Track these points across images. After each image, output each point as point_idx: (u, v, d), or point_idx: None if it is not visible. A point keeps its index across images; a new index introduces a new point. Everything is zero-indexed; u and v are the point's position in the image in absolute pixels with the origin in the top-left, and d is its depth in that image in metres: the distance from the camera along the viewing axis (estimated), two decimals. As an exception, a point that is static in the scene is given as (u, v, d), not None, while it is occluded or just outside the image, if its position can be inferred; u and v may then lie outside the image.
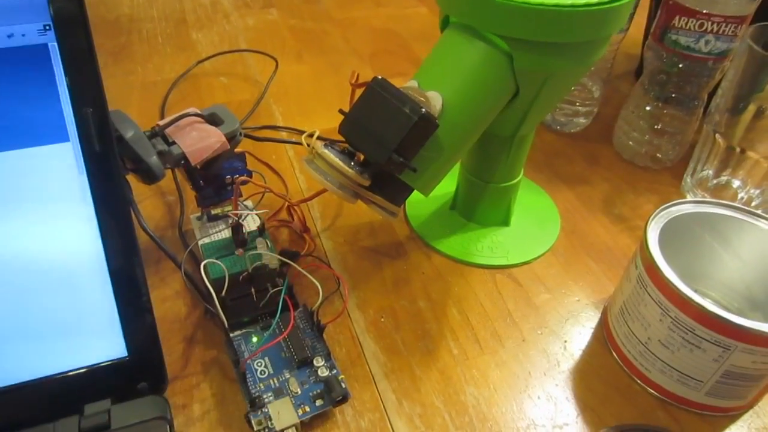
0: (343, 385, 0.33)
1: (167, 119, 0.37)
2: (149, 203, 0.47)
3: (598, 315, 0.41)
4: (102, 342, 0.32)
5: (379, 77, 0.32)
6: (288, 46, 0.70)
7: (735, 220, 0.37)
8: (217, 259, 0.38)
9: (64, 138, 0.29)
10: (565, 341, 0.39)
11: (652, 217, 0.35)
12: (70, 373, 0.31)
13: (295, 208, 0.45)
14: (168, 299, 0.40)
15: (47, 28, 0.28)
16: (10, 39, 0.28)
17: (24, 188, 0.29)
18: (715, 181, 0.50)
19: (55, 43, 0.29)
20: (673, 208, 0.36)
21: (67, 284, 0.30)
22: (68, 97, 0.29)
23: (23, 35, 0.28)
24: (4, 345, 0.30)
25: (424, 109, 0.31)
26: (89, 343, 0.31)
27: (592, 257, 0.45)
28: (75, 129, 0.29)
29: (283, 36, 0.72)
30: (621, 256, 0.46)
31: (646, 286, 0.33)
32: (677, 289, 0.31)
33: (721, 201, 0.37)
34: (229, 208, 0.43)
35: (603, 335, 0.39)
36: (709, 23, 0.47)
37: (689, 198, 0.50)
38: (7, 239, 0.29)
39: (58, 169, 0.30)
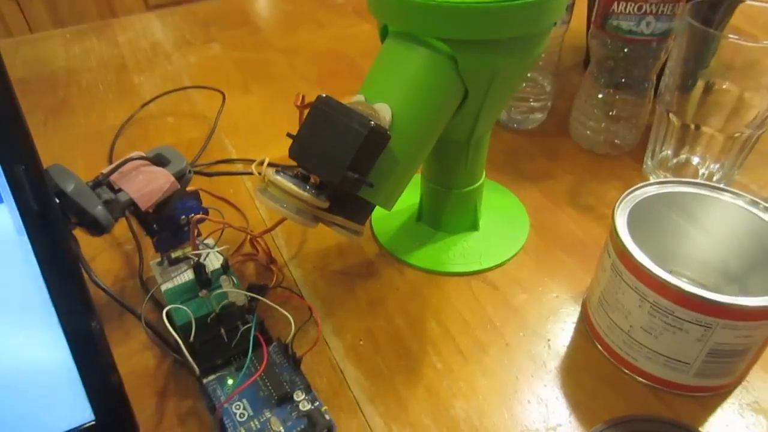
0: (327, 417, 0.32)
1: (110, 167, 0.36)
2: (106, 256, 0.45)
3: (579, 309, 0.40)
4: (65, 409, 0.30)
5: (323, 95, 0.32)
6: (233, 78, 0.69)
7: (699, 196, 0.36)
8: (181, 303, 0.36)
9: (-3, 199, 0.28)
10: (549, 340, 0.38)
11: (618, 203, 0.35)
12: (34, 448, 0.29)
13: (258, 239, 0.43)
14: (135, 353, 0.38)
15: (-36, 85, 0.27)
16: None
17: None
18: (675, 161, 0.50)
19: (-26, 102, 0.27)
20: (638, 192, 0.36)
21: (22, 349, 0.28)
22: (-4, 156, 0.27)
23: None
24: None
25: (373, 122, 0.30)
26: (52, 412, 0.29)
27: (564, 251, 0.45)
28: (8, 189, 0.28)
29: (227, 69, 0.71)
30: (593, 246, 0.45)
31: (621, 273, 0.33)
32: (652, 272, 0.30)
33: (683, 179, 0.37)
34: (189, 249, 0.41)
35: (585, 329, 0.38)
36: (648, 5, 0.47)
37: (652, 180, 0.50)
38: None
39: (-5, 231, 0.28)
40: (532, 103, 0.59)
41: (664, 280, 0.30)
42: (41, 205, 0.28)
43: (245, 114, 0.62)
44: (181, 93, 0.65)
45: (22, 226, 0.28)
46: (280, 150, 0.56)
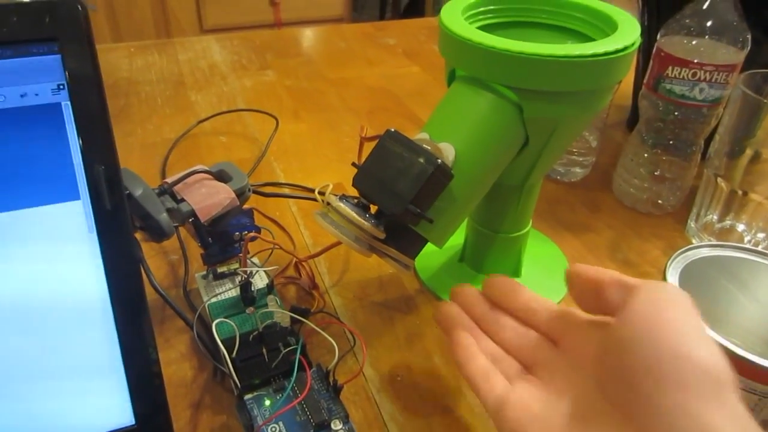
0: (363, 449, 0.32)
1: (176, 176, 0.37)
2: (152, 263, 0.46)
3: (619, 365, 0.40)
4: (108, 408, 0.30)
5: (392, 129, 0.32)
6: (285, 105, 0.71)
7: (751, 263, 0.36)
8: (225, 318, 0.37)
9: (75, 196, 0.29)
10: (588, 393, 0.37)
11: (669, 262, 0.35)
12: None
13: (303, 264, 0.44)
14: (173, 362, 0.38)
15: (61, 87, 0.28)
16: (23, 98, 0.28)
17: (34, 246, 0.28)
18: (719, 225, 0.50)
19: (69, 102, 0.28)
20: (689, 253, 0.36)
21: (74, 345, 0.29)
22: (80, 155, 0.29)
23: (36, 95, 0.28)
24: (5, 411, 0.28)
25: (439, 160, 0.31)
26: (95, 409, 0.30)
27: (605, 305, 0.44)
28: (86, 187, 0.29)
29: (279, 96, 0.73)
30: (634, 303, 0.45)
31: (670, 332, 0.32)
32: (704, 334, 0.30)
33: (736, 244, 0.37)
34: (235, 265, 0.42)
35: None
36: (702, 72, 0.48)
37: (696, 242, 0.49)
38: (15, 296, 0.28)
39: (68, 227, 0.29)
40: (575, 157, 0.60)
41: (720, 345, 0.30)
42: (114, 205, 0.29)
43: (295, 140, 0.64)
44: (234, 114, 0.67)
45: (94, 224, 0.29)
46: (327, 177, 0.58)
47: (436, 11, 2.42)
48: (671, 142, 0.53)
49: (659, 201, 0.55)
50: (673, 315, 0.23)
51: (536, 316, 0.30)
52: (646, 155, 0.55)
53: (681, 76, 0.49)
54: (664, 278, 0.34)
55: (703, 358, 0.21)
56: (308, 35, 0.95)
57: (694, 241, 0.52)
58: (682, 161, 0.54)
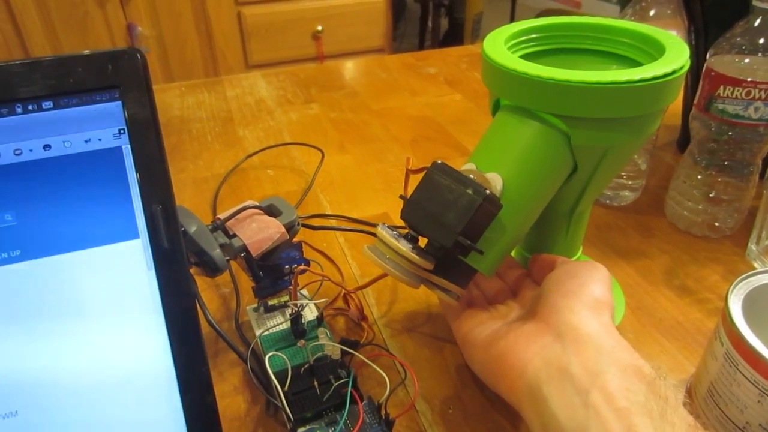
0: (417, 484, 0.31)
1: (227, 213, 0.38)
2: (204, 296, 0.47)
3: (681, 398, 0.38)
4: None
5: (439, 161, 0.33)
6: (330, 137, 0.72)
7: (820, 288, 0.35)
8: (276, 350, 0.37)
9: (134, 235, 0.30)
10: (649, 427, 0.36)
11: (731, 288, 0.34)
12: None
13: (352, 295, 0.44)
14: (227, 395, 0.39)
15: (121, 132, 0.30)
16: (88, 143, 0.29)
17: (95, 284, 0.29)
18: (783, 249, 0.48)
19: (129, 146, 0.30)
20: (753, 279, 0.35)
21: (133, 385, 0.30)
22: (139, 195, 0.30)
23: (99, 140, 0.29)
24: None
25: (488, 191, 0.31)
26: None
27: (663, 334, 0.43)
28: (145, 226, 0.30)
29: (324, 128, 0.75)
30: (695, 331, 0.43)
31: (736, 364, 0.31)
32: (774, 366, 0.29)
33: (803, 269, 0.35)
34: (285, 298, 0.43)
35: (689, 419, 0.36)
36: (756, 90, 0.46)
37: (758, 266, 0.47)
38: (77, 337, 0.29)
39: (129, 265, 0.30)
40: (624, 181, 0.59)
41: None
42: (171, 242, 0.30)
43: (340, 171, 0.65)
44: (281, 147, 0.69)
45: (152, 261, 0.30)
46: (373, 208, 0.58)
47: (474, 38, 2.44)
48: (726, 163, 0.52)
49: (716, 224, 0.53)
50: (582, 268, 0.34)
51: (507, 277, 0.41)
52: (699, 177, 0.53)
53: (734, 96, 0.48)
54: (726, 306, 0.33)
55: (593, 287, 0.33)
56: (350, 67, 0.96)
57: (756, 265, 0.50)
58: (739, 182, 0.52)
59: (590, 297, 0.32)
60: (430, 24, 2.39)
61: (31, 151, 0.28)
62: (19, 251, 0.28)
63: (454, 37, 2.49)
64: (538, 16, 0.40)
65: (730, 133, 0.50)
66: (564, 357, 0.29)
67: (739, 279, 0.35)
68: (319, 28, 1.92)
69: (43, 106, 0.28)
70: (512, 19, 2.49)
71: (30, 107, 0.28)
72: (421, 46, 2.45)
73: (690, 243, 0.53)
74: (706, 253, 0.52)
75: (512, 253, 0.46)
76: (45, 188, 0.29)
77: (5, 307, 0.28)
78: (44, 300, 0.29)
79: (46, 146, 0.29)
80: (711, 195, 0.53)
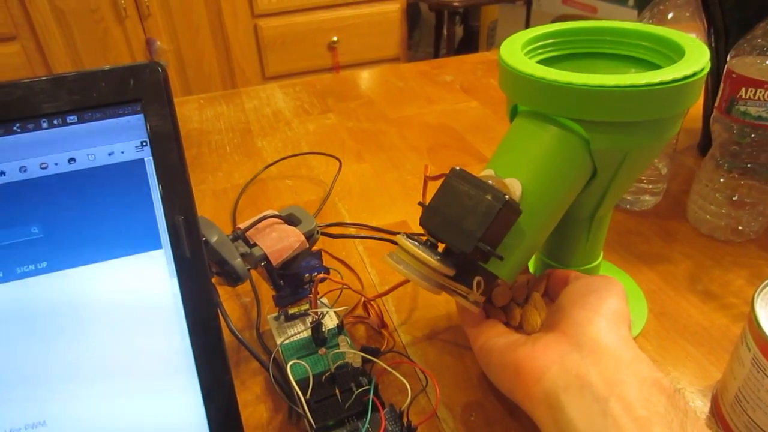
0: (441, 493, 0.31)
1: (248, 222, 0.38)
2: (226, 305, 0.47)
3: (708, 404, 0.37)
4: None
5: (457, 168, 0.33)
6: (347, 146, 0.73)
7: None
8: (298, 359, 0.37)
9: (157, 245, 0.30)
10: (676, 435, 0.35)
11: (757, 292, 0.33)
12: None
13: (372, 303, 0.44)
14: (249, 404, 0.39)
15: (144, 144, 0.30)
16: (111, 156, 0.30)
17: (119, 294, 0.30)
18: (810, 252, 0.47)
19: (151, 158, 0.30)
20: (779, 283, 0.34)
21: (158, 394, 0.30)
22: (161, 206, 0.30)
23: (122, 152, 0.30)
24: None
25: (507, 196, 0.31)
26: None
27: (688, 340, 0.42)
28: (167, 236, 0.30)
29: (342, 138, 0.75)
30: (720, 337, 0.42)
31: (764, 369, 0.30)
32: (803, 370, 0.28)
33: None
34: (306, 306, 0.43)
35: (717, 426, 0.36)
36: (778, 91, 0.46)
37: (784, 271, 0.47)
38: (102, 346, 0.29)
39: (152, 274, 0.30)
40: (645, 185, 0.58)
41: None
42: (193, 252, 0.31)
43: (358, 180, 0.65)
44: (300, 157, 0.69)
45: (175, 271, 0.31)
46: (391, 216, 0.58)
47: (489, 46, 2.44)
48: (749, 166, 0.51)
49: (739, 227, 0.53)
50: (599, 282, 0.35)
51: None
52: (722, 180, 0.52)
53: (756, 97, 0.47)
54: (753, 310, 0.32)
55: (610, 301, 0.33)
56: (366, 77, 0.97)
57: (782, 268, 0.49)
58: (763, 185, 0.51)
59: (608, 310, 0.32)
60: (445, 32, 2.39)
61: (56, 164, 0.29)
62: (46, 263, 0.29)
63: (469, 45, 2.49)
64: (554, 22, 0.40)
65: (752, 136, 0.49)
66: (583, 366, 0.29)
67: (765, 283, 0.34)
68: (335, 38, 1.94)
69: (68, 121, 0.29)
70: (527, 26, 2.49)
71: (55, 122, 0.29)
72: (436, 55, 2.45)
73: (713, 247, 0.52)
74: (730, 258, 0.51)
75: (533, 260, 0.46)
76: (70, 201, 0.29)
77: (33, 318, 0.29)
78: (70, 310, 0.29)
79: (71, 160, 0.29)
80: (734, 198, 0.52)
